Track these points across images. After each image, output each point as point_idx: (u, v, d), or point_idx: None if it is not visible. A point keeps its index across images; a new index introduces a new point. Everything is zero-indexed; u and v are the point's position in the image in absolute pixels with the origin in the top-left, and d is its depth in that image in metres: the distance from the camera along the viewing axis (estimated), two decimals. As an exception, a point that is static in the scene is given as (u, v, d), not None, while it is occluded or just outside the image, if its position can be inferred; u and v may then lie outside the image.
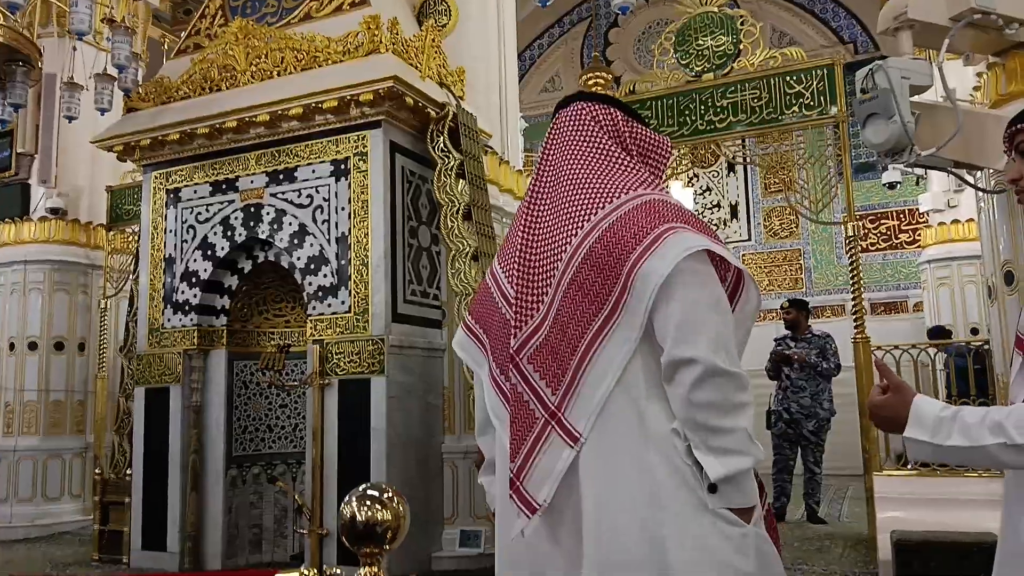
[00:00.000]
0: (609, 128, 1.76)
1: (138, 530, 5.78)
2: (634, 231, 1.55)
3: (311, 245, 5.44)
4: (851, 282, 5.41)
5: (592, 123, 1.77)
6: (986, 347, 5.53)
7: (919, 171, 9.50)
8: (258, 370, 5.71)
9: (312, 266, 5.42)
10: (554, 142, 1.81)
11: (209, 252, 5.80)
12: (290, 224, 5.52)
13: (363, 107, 5.23)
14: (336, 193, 5.39)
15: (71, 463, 7.62)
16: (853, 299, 5.42)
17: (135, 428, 5.96)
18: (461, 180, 5.49)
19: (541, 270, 1.63)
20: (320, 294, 5.38)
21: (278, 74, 5.58)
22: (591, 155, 1.73)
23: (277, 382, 5.47)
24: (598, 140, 1.75)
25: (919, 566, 4.30)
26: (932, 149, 4.02)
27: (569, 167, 1.73)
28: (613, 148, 1.75)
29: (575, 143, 1.76)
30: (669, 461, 1.48)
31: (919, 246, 10.68)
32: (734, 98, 5.56)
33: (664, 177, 1.86)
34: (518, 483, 1.52)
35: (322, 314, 5.34)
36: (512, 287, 1.67)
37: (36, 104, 7.53)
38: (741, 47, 5.66)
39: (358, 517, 1.03)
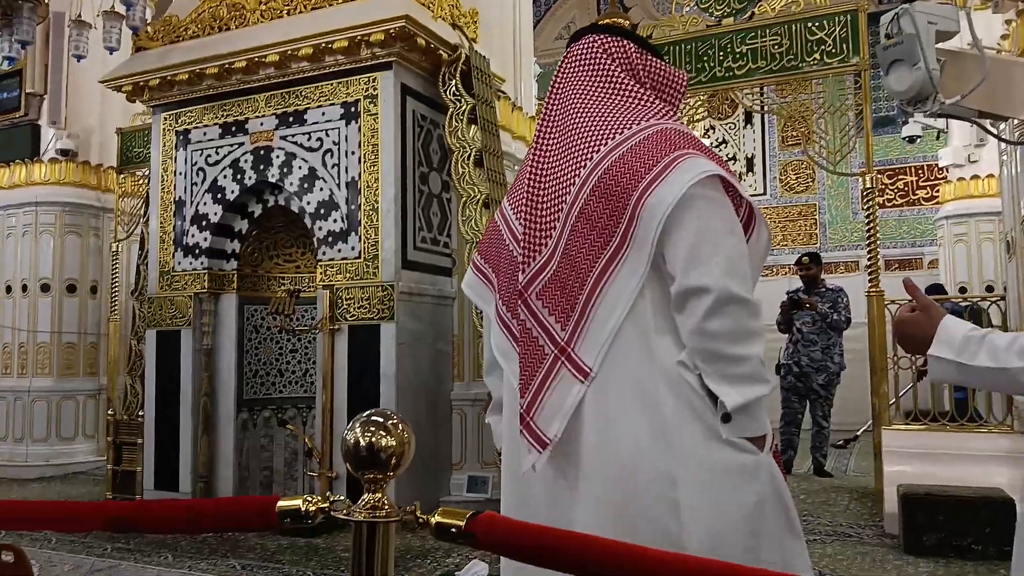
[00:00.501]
0: (622, 60, 1.69)
1: (150, 470, 5.87)
2: (643, 159, 1.49)
3: (321, 190, 5.40)
4: (867, 235, 5.33)
5: (604, 55, 1.70)
6: (991, 303, 5.45)
7: (940, 124, 9.31)
8: (268, 314, 5.72)
9: (322, 211, 5.39)
10: (564, 76, 1.74)
11: (219, 195, 5.77)
12: (300, 168, 5.47)
13: (374, 48, 5.13)
14: (346, 137, 5.32)
15: (85, 404, 7.72)
16: (868, 252, 5.35)
17: (147, 370, 6.01)
18: (473, 125, 5.41)
19: (549, 205, 1.59)
20: (330, 239, 5.35)
21: (288, 13, 5.48)
22: (603, 87, 1.67)
23: (287, 327, 5.49)
24: (610, 73, 1.68)
25: (925, 520, 4.31)
26: (957, 97, 3.92)
27: (579, 100, 1.66)
28: (626, 80, 1.67)
29: (586, 76, 1.69)
30: (678, 394, 1.45)
31: (937, 202, 10.53)
32: (754, 44, 5.42)
33: (679, 111, 1.80)
34: (528, 419, 1.50)
35: (332, 259, 5.33)
36: (520, 223, 1.63)
37: (44, 43, 7.44)
38: (763, -9, 5.51)
39: (361, 442, 1.01)
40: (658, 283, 1.49)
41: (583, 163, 1.55)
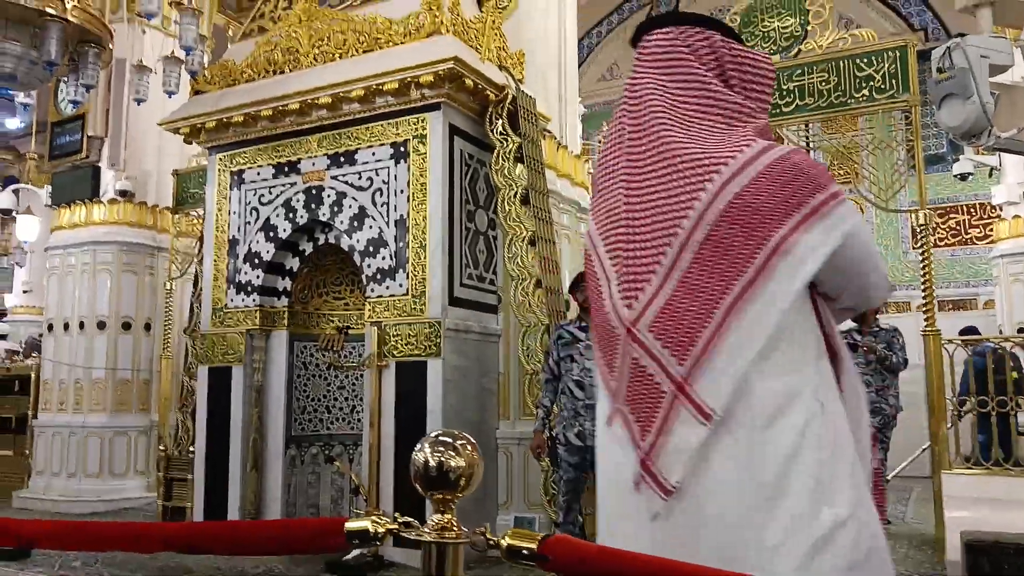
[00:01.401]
0: (710, 59, 1.54)
1: (200, 506, 5.91)
2: (782, 191, 1.40)
3: (370, 228, 5.48)
4: (921, 271, 5.23)
5: (689, 53, 1.54)
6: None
7: (992, 161, 9.15)
8: (318, 350, 5.78)
9: (371, 248, 5.46)
10: (645, 75, 1.55)
11: (271, 234, 5.89)
12: (350, 207, 5.57)
13: (423, 89, 5.24)
14: (395, 176, 5.41)
15: (136, 440, 7.83)
16: (924, 291, 5.24)
17: (198, 406, 6.09)
18: (519, 164, 5.47)
19: (654, 231, 1.45)
20: (379, 276, 5.41)
21: (340, 56, 5.63)
22: (695, 96, 1.51)
23: (336, 363, 5.54)
24: (700, 76, 1.52)
25: (991, 568, 4.13)
26: (1013, 131, 3.86)
27: (670, 110, 1.50)
28: (716, 85, 1.53)
29: (673, 80, 1.52)
30: (791, 447, 1.35)
31: (991, 241, 10.30)
32: (801, 81, 5.41)
33: (768, 105, 1.65)
34: (649, 463, 1.41)
35: (380, 296, 5.38)
36: (619, 249, 1.50)
37: (107, 89, 7.74)
38: (809, 28, 5.51)
39: (431, 462, 1.01)
40: (797, 319, 1.42)
41: (697, 189, 1.43)
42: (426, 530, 1.00)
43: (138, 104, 6.63)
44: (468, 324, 5.42)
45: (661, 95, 1.53)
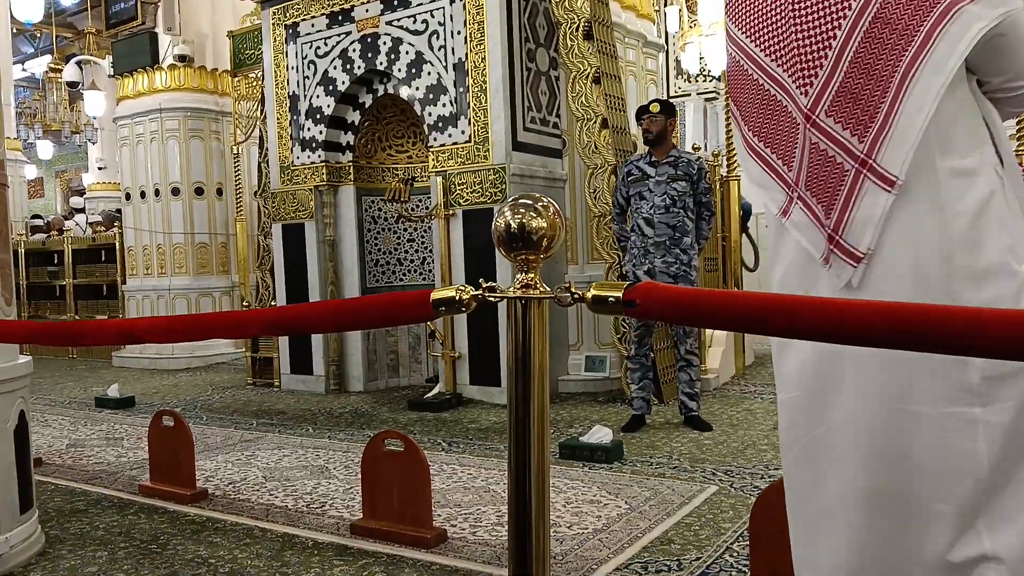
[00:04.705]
0: None
1: (286, 357, 6.21)
2: None
3: (428, 74, 5.37)
4: None
5: None
6: None
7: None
8: (385, 201, 5.83)
9: (431, 96, 5.37)
10: None
11: (330, 87, 5.84)
12: (407, 53, 5.45)
13: (476, -80, 4.97)
14: (451, 16, 5.23)
15: (220, 299, 8.21)
16: None
17: (276, 263, 6.29)
18: (580, -5, 5.20)
19: (823, 16, 1.49)
20: (440, 124, 5.35)
21: None
22: None
23: (404, 214, 5.59)
24: None
25: None
26: None
27: None
28: None
29: None
30: (983, 204, 1.41)
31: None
32: None
33: None
34: (837, 237, 1.49)
35: (443, 145, 5.34)
36: (790, 41, 1.54)
37: (154, -50, 7.60)
38: None
39: (512, 224, 1.00)
40: (962, 80, 1.45)
41: None
42: (510, 288, 1.01)
43: (186, -39, 6.50)
44: (533, 169, 5.36)
45: None
